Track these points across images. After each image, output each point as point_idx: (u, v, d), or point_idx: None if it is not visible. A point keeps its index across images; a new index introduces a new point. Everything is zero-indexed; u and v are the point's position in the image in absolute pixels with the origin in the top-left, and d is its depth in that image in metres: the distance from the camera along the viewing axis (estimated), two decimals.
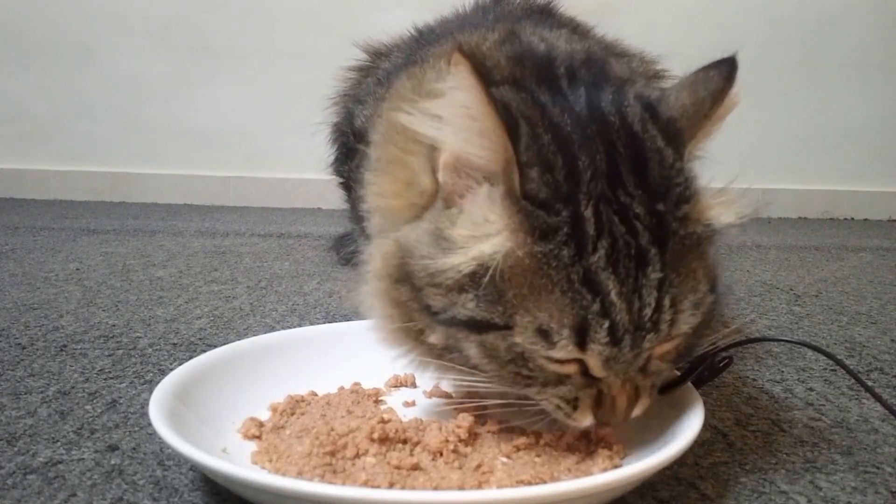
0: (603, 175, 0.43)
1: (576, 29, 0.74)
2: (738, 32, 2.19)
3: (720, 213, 0.46)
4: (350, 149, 0.79)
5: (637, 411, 0.47)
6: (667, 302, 0.43)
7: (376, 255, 0.50)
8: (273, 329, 0.84)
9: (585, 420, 0.46)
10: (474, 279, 0.43)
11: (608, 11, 0.78)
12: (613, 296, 0.42)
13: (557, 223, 0.42)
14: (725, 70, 0.47)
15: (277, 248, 1.48)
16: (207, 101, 2.26)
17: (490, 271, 0.42)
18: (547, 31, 0.59)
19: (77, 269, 1.19)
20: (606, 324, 0.42)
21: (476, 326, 0.44)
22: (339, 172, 0.93)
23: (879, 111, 2.25)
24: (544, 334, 0.42)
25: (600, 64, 0.51)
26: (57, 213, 1.95)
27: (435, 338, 0.47)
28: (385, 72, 0.75)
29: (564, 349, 0.43)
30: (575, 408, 0.46)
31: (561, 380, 0.45)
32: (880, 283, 1.22)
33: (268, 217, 1.98)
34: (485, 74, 0.42)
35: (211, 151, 2.29)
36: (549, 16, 0.75)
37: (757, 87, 2.21)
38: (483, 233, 0.43)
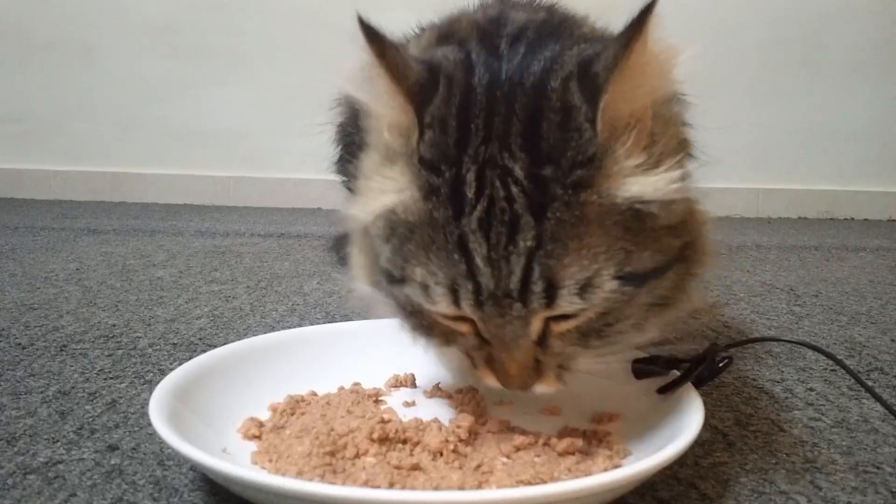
0: (498, 138, 0.43)
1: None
2: (738, 32, 2.19)
3: (629, 183, 0.42)
4: (354, 148, 0.79)
5: (540, 388, 0.48)
6: (536, 273, 0.42)
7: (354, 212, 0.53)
8: (273, 329, 0.84)
9: (486, 379, 0.49)
10: (388, 232, 0.46)
11: (609, 11, 0.77)
12: (478, 260, 0.42)
13: (439, 184, 0.43)
14: (637, 14, 0.41)
15: (277, 248, 1.48)
16: (207, 101, 2.26)
17: (385, 224, 0.45)
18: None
19: (77, 269, 1.19)
20: (471, 286, 0.43)
21: (388, 277, 0.47)
22: (342, 171, 0.93)
23: (879, 111, 2.25)
24: (426, 289, 0.44)
25: (557, 25, 0.49)
26: (57, 213, 1.95)
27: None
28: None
29: (442, 305, 0.44)
30: (476, 366, 0.49)
31: (457, 336, 0.47)
32: (880, 283, 1.22)
33: (268, 217, 1.99)
34: (380, 41, 0.44)
35: (211, 151, 2.29)
36: (551, 12, 0.75)
37: (757, 87, 2.21)
38: (386, 188, 0.46)
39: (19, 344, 0.78)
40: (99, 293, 1.02)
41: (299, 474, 0.44)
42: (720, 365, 0.54)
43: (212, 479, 0.46)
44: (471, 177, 0.42)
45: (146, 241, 1.50)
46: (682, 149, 0.52)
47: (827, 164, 2.27)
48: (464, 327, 0.46)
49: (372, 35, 0.44)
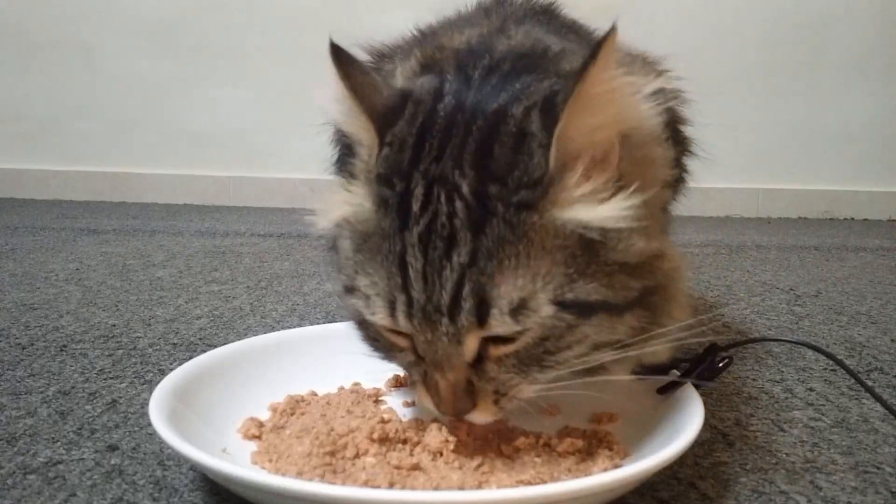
0: (451, 156, 0.43)
1: (577, 31, 0.73)
2: (738, 33, 2.19)
3: (574, 210, 0.42)
4: (352, 150, 0.79)
5: (475, 417, 0.46)
6: (467, 289, 0.41)
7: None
8: (273, 329, 0.84)
9: (423, 399, 0.47)
10: (346, 241, 0.47)
11: (609, 12, 0.77)
12: (412, 273, 0.42)
13: (389, 196, 0.44)
14: (593, 46, 0.41)
15: (277, 248, 1.48)
16: (207, 101, 2.26)
17: (342, 234, 0.47)
18: (539, 29, 0.59)
19: (77, 269, 1.19)
20: (404, 298, 0.43)
21: (343, 286, 0.48)
22: (340, 172, 0.93)
23: (879, 111, 2.26)
24: (367, 299, 0.45)
25: (537, 58, 0.49)
26: (57, 213, 1.95)
27: None
28: (386, 74, 0.75)
29: (379, 316, 0.44)
30: (414, 384, 0.48)
31: (397, 351, 0.47)
32: (880, 283, 1.22)
33: (268, 217, 1.98)
34: (347, 64, 0.46)
35: (211, 151, 2.29)
36: (550, 17, 0.75)
37: (757, 88, 2.21)
38: (346, 200, 0.47)
39: (19, 344, 0.78)
40: (99, 293, 1.02)
41: (299, 474, 0.44)
42: (720, 365, 0.54)
43: (212, 479, 0.46)
44: (419, 191, 0.43)
45: (146, 241, 1.50)
46: (660, 188, 0.50)
47: (827, 164, 2.27)
48: (402, 341, 0.46)
49: (340, 58, 0.46)
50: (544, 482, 0.44)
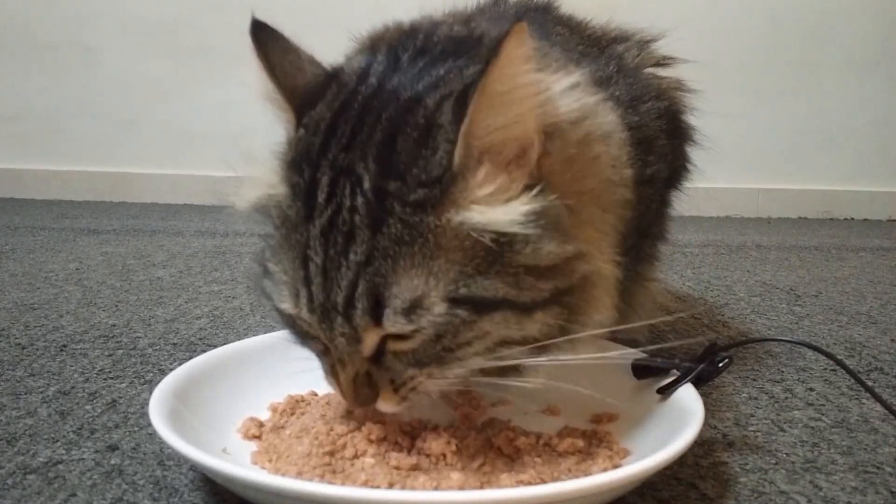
0: (360, 146, 0.42)
1: (569, 23, 0.73)
2: (738, 32, 2.19)
3: (472, 210, 0.40)
4: None
5: (382, 406, 0.45)
6: (361, 288, 0.40)
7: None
8: (273, 329, 0.84)
9: (332, 387, 0.47)
10: (266, 223, 0.46)
11: (609, 10, 0.77)
12: (312, 268, 0.42)
13: (297, 183, 0.43)
14: (495, 36, 0.39)
15: None
16: (207, 101, 2.25)
17: (261, 216, 0.46)
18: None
19: (77, 269, 1.19)
20: (306, 293, 0.42)
21: (262, 269, 0.47)
22: None
23: (879, 111, 2.25)
24: (277, 286, 0.44)
25: (472, 41, 0.46)
26: (57, 213, 1.95)
27: None
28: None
29: (286, 305, 0.44)
30: (324, 373, 0.48)
31: (310, 339, 0.46)
32: (880, 283, 1.22)
33: None
34: (266, 40, 0.46)
35: (211, 151, 2.29)
36: (545, 13, 0.74)
37: (757, 87, 2.21)
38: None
39: (19, 344, 0.78)
40: (99, 293, 1.02)
41: (299, 474, 0.44)
42: (720, 365, 0.54)
43: (212, 479, 0.46)
44: (325, 181, 0.42)
45: (146, 241, 1.50)
46: (606, 187, 0.48)
47: (827, 164, 2.27)
48: (313, 330, 0.45)
49: (259, 36, 0.45)
50: (544, 482, 0.44)
